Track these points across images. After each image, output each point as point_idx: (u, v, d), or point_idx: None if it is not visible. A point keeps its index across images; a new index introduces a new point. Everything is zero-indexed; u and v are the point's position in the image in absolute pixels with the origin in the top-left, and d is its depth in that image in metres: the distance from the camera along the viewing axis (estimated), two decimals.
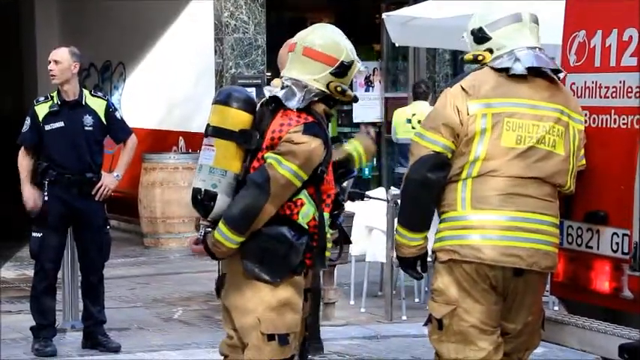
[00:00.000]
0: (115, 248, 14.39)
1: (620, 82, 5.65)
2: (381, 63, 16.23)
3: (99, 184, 8.97)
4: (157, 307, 11.27)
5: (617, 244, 5.60)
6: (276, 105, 5.47)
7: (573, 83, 5.86)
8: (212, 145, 5.46)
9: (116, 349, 9.13)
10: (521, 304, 5.61)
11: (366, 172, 15.46)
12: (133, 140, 9.42)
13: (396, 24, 12.08)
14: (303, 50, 5.49)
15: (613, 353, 5.55)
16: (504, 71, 5.54)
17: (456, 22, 6.39)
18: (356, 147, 5.89)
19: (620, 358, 5.52)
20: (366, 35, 16.80)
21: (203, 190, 5.44)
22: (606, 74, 5.73)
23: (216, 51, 14.88)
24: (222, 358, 5.91)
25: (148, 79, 16.36)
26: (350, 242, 5.92)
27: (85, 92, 9.20)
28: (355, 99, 5.63)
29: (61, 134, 8.98)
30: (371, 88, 15.67)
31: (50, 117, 8.96)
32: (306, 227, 5.47)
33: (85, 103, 9.07)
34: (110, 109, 9.22)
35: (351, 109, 16.35)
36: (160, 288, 12.35)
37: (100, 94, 9.65)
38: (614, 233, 5.62)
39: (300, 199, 5.43)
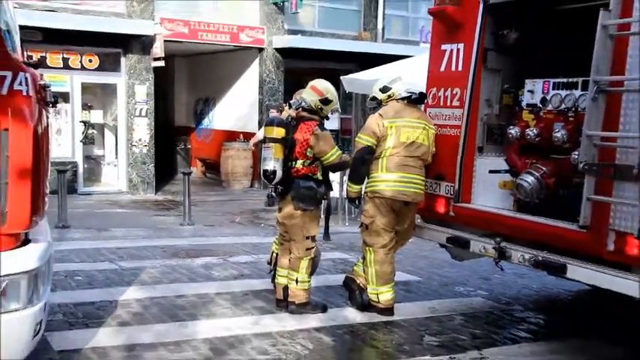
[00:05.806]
0: (208, 188, 14.53)
1: (452, 112, 5.63)
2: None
3: None
4: (227, 216, 11.23)
5: (448, 190, 5.59)
6: (295, 121, 5.45)
7: (430, 113, 5.79)
8: (270, 147, 5.34)
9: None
10: (406, 218, 5.65)
11: None
12: None
13: (347, 82, 12.12)
14: (310, 87, 5.56)
15: (443, 240, 5.61)
16: (404, 100, 5.56)
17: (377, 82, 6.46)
18: None
19: (447, 243, 5.60)
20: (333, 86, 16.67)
21: (270, 169, 5.32)
22: (445, 109, 5.69)
23: (259, 92, 14.81)
24: (273, 242, 5.95)
25: (226, 106, 16.19)
26: (332, 188, 5.93)
27: None
28: (327, 117, 5.62)
29: None
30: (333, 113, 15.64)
31: None
32: (322, 179, 5.45)
33: None
34: None
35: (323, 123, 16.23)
36: (229, 206, 12.30)
37: None
38: (447, 185, 5.61)
39: (317, 164, 5.43)
